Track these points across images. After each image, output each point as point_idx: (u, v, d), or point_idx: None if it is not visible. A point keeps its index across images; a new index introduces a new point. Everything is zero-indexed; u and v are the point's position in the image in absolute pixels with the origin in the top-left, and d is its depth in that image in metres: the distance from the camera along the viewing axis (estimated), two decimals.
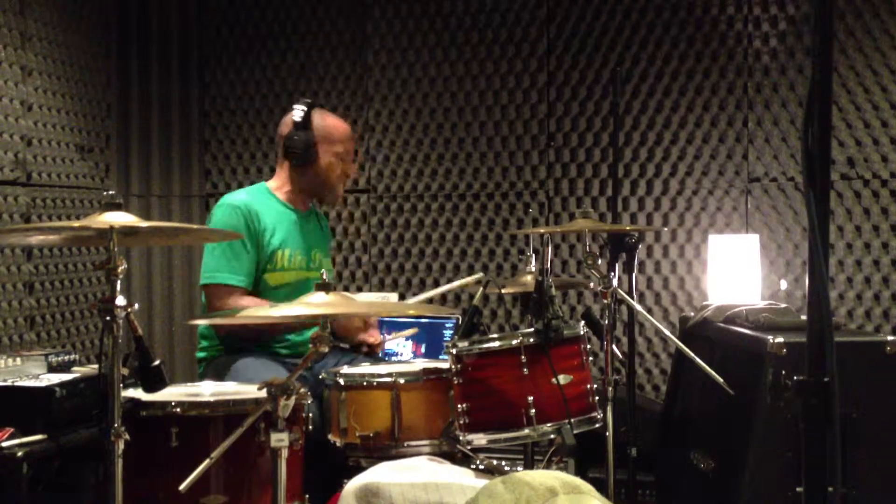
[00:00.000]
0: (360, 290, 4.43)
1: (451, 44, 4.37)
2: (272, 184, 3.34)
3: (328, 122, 3.32)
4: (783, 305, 3.10)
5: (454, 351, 2.49)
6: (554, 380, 2.40)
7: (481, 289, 2.70)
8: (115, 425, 2.05)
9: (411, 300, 3.75)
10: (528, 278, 2.99)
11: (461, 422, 2.46)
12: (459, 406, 2.46)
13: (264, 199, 3.26)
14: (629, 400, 3.04)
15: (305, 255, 3.29)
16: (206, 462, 2.04)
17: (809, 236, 1.44)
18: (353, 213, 4.47)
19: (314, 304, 2.15)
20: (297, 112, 3.26)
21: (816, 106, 1.44)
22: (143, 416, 2.35)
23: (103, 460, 2.08)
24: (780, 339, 2.63)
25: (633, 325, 3.20)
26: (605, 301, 2.71)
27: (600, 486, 2.25)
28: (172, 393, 2.49)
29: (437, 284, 4.37)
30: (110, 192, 2.20)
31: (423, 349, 3.73)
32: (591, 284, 3.39)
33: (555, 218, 4.27)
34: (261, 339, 3.16)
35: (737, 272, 3.48)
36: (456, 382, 2.48)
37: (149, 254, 4.45)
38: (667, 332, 2.80)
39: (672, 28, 4.17)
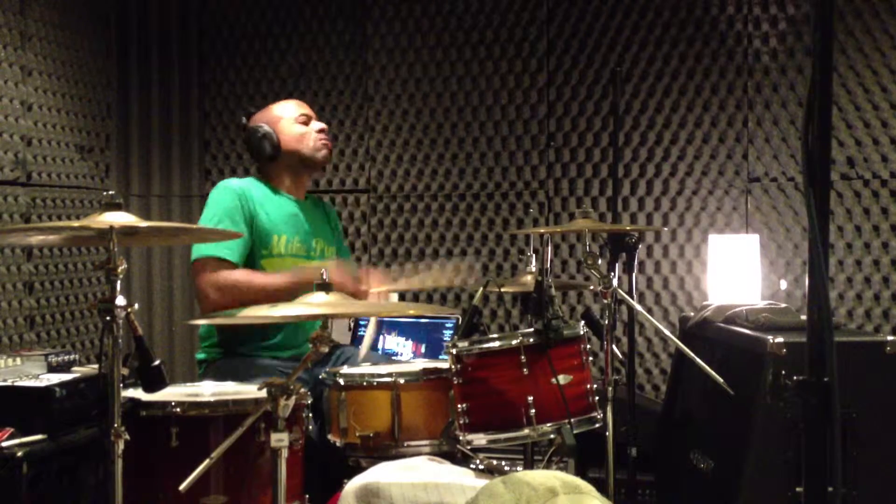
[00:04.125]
0: None
1: (451, 44, 4.37)
2: (265, 179, 3.35)
3: (270, 107, 3.38)
4: (783, 305, 3.10)
5: (454, 351, 2.48)
6: (554, 380, 2.40)
7: (481, 289, 2.70)
8: (115, 425, 2.05)
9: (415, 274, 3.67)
10: (528, 278, 2.99)
11: (461, 422, 2.46)
12: (459, 406, 2.46)
13: (260, 188, 3.28)
14: (629, 400, 3.04)
15: (304, 242, 3.27)
16: (206, 462, 2.04)
17: (809, 236, 1.44)
18: (353, 213, 4.47)
19: (314, 303, 2.15)
20: (242, 122, 3.38)
21: (816, 106, 1.44)
22: (143, 416, 2.34)
23: (103, 460, 2.08)
24: (780, 339, 2.62)
25: (633, 325, 3.21)
26: (605, 301, 2.71)
27: (600, 486, 2.25)
28: (172, 393, 2.49)
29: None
30: (110, 192, 2.20)
31: (423, 349, 3.73)
32: (591, 284, 3.39)
33: (555, 218, 4.27)
34: (256, 344, 3.15)
35: (737, 272, 3.48)
36: (456, 382, 2.48)
37: (149, 254, 4.45)
38: (667, 332, 2.80)
39: (672, 28, 4.17)
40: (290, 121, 3.30)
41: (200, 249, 3.11)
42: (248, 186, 3.23)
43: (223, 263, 3.07)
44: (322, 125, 3.36)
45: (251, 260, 3.16)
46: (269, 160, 3.29)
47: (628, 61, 4.19)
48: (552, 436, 2.42)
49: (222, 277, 3.06)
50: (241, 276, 3.07)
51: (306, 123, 3.32)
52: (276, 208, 3.24)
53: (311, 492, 2.52)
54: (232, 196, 3.16)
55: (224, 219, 3.10)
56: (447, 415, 2.56)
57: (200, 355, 3.25)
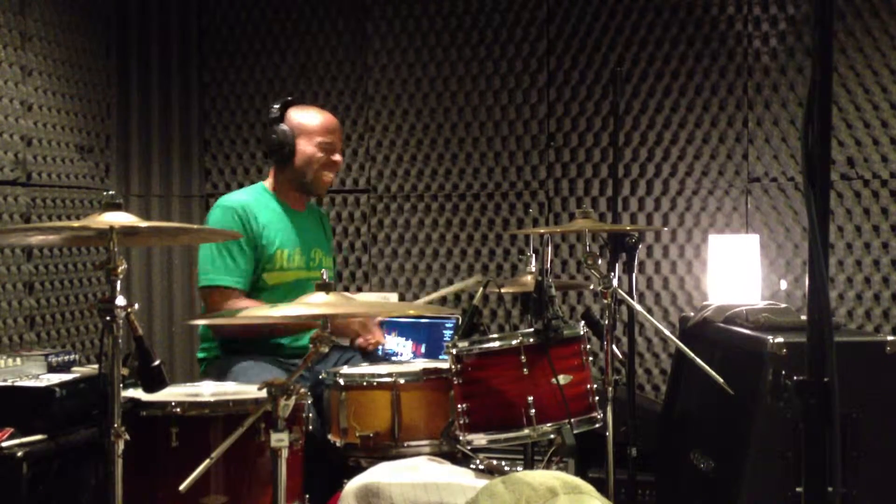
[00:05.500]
0: (360, 290, 4.43)
1: (451, 44, 4.37)
2: (269, 183, 3.33)
3: (305, 115, 3.28)
4: (783, 305, 3.10)
5: (454, 351, 2.48)
6: (554, 380, 2.40)
7: (481, 289, 2.70)
8: (115, 425, 2.05)
9: (414, 302, 3.71)
10: (528, 278, 2.99)
11: (461, 422, 2.46)
12: (459, 406, 2.46)
13: (262, 199, 3.25)
14: (629, 400, 3.04)
15: (305, 254, 3.27)
16: (206, 462, 2.04)
17: (809, 236, 1.44)
18: (353, 213, 4.47)
19: (314, 304, 2.15)
20: (273, 111, 3.25)
21: (816, 106, 1.44)
22: (143, 416, 2.35)
23: (103, 460, 2.08)
24: (780, 339, 2.62)
25: (633, 325, 3.20)
26: (605, 301, 2.71)
27: (600, 486, 2.25)
28: (172, 393, 2.49)
29: (437, 284, 4.37)
30: (110, 192, 2.20)
31: (423, 349, 3.73)
32: (591, 284, 3.39)
33: (555, 218, 4.27)
34: (256, 342, 3.15)
35: (737, 272, 3.48)
36: (456, 382, 2.48)
37: (149, 254, 4.45)
38: (667, 332, 2.80)
39: (672, 28, 4.17)
40: (312, 140, 3.23)
41: (206, 277, 3.09)
42: (250, 200, 3.20)
43: (230, 292, 3.07)
44: (339, 159, 3.30)
45: (253, 273, 3.15)
46: (276, 165, 3.27)
47: (628, 61, 4.18)
48: (552, 436, 2.42)
49: (229, 308, 3.06)
50: (249, 306, 3.06)
51: (326, 151, 3.25)
52: (277, 221, 3.22)
53: (311, 492, 2.52)
54: (231, 217, 3.12)
55: (224, 243, 3.07)
56: (447, 415, 2.56)
57: (201, 354, 3.25)
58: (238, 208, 3.14)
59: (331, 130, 3.29)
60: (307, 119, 3.27)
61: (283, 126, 3.22)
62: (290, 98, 3.33)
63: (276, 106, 3.26)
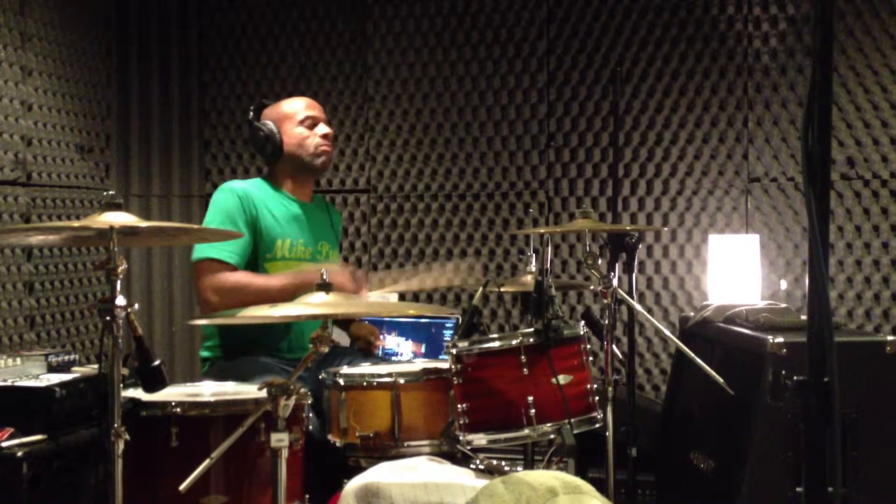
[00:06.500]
0: None
1: (451, 44, 4.37)
2: (267, 179, 3.34)
3: (280, 104, 3.35)
4: (783, 305, 3.10)
5: (454, 351, 2.49)
6: (554, 380, 2.40)
7: (481, 289, 2.70)
8: (115, 425, 2.05)
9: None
10: (528, 278, 2.99)
11: (461, 422, 2.46)
12: (459, 406, 2.46)
13: (265, 190, 3.26)
14: (629, 400, 3.04)
15: (310, 245, 3.27)
16: (206, 462, 2.04)
17: (809, 236, 1.44)
18: (353, 213, 4.47)
19: (314, 304, 2.15)
20: (250, 115, 3.34)
21: (816, 106, 1.44)
22: (143, 416, 2.34)
23: (103, 460, 2.08)
24: (780, 339, 2.62)
25: (633, 325, 3.20)
26: (605, 301, 2.71)
27: (600, 486, 2.25)
28: (172, 393, 2.49)
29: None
30: (110, 192, 2.20)
31: (423, 349, 3.73)
32: (592, 284, 3.39)
33: (555, 218, 4.27)
34: (258, 342, 3.14)
35: (737, 272, 3.48)
36: (456, 382, 2.48)
37: (149, 254, 4.45)
38: (667, 332, 2.80)
39: (672, 28, 4.17)
40: (294, 122, 3.28)
41: (201, 251, 3.11)
42: (252, 188, 3.22)
43: (223, 266, 3.07)
44: (327, 130, 3.32)
45: (254, 262, 3.15)
46: (272, 160, 3.29)
47: (628, 61, 4.18)
48: (552, 436, 2.42)
49: (221, 280, 3.05)
50: (241, 277, 3.07)
51: (312, 126, 3.30)
52: (281, 210, 3.23)
53: (311, 492, 2.52)
54: (233, 198, 3.15)
55: (224, 221, 3.09)
56: (447, 415, 2.56)
57: (204, 353, 3.25)
58: (240, 191, 3.17)
59: (309, 107, 3.34)
60: (283, 106, 3.33)
61: (264, 121, 3.28)
62: (263, 100, 3.40)
63: (251, 109, 3.35)
